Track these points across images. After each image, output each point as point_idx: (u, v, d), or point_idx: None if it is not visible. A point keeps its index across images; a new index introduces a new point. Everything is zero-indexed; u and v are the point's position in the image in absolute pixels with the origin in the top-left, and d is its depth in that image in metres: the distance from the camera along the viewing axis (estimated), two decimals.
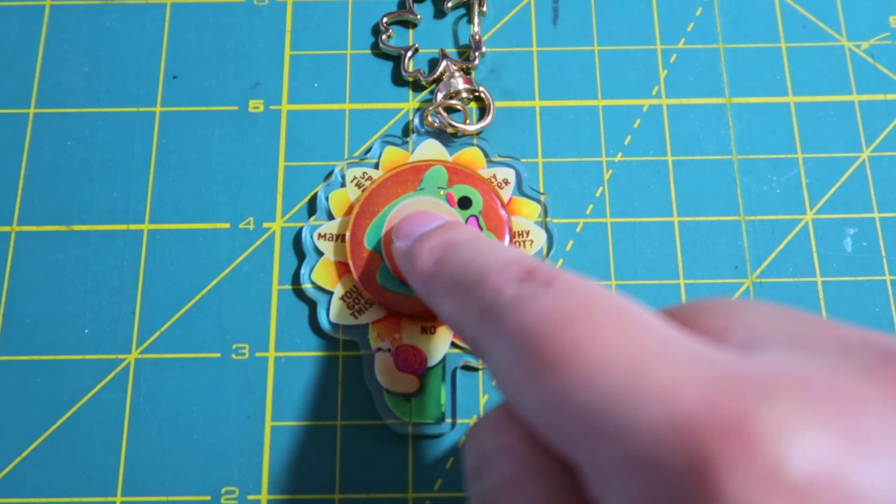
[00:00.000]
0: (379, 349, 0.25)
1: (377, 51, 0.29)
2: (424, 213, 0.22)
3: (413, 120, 0.28)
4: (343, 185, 0.27)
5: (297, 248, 0.27)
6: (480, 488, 0.16)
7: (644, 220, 0.27)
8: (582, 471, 0.14)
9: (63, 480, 0.24)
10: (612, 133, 0.28)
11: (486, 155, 0.27)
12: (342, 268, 0.26)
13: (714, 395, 0.12)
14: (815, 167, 0.28)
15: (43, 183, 0.28)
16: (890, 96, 0.28)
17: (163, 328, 0.26)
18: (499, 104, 0.28)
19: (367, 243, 0.26)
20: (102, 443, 0.25)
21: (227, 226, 0.27)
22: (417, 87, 0.29)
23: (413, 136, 0.28)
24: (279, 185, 0.28)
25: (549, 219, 0.27)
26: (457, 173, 0.26)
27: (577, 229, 0.27)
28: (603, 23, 0.30)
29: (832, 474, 0.11)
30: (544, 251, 0.26)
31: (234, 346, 0.26)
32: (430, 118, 0.28)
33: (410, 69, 0.29)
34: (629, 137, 0.28)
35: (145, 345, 0.26)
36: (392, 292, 0.25)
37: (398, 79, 0.29)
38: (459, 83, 0.28)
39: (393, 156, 0.27)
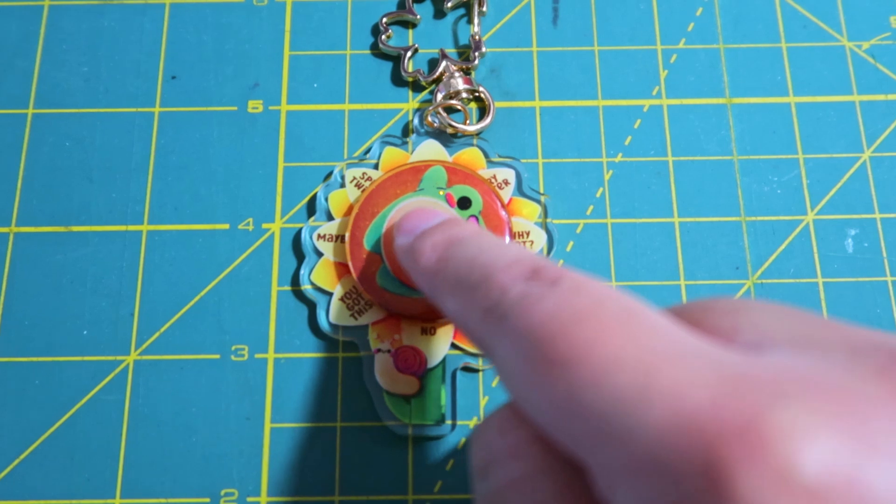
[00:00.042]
0: (379, 350, 0.25)
1: (377, 51, 0.29)
2: (426, 210, 0.22)
3: (413, 120, 0.28)
4: (342, 185, 0.27)
5: (297, 248, 0.27)
6: (487, 489, 0.16)
7: (644, 220, 0.27)
8: (590, 471, 0.14)
9: (62, 482, 0.24)
10: (613, 133, 0.28)
11: (486, 155, 0.27)
12: (342, 269, 0.26)
13: (724, 396, 0.12)
14: (816, 168, 0.28)
15: (41, 184, 0.28)
16: (891, 96, 0.28)
17: (162, 329, 0.26)
18: (499, 104, 0.28)
19: (367, 244, 0.26)
20: (101, 444, 0.25)
21: (227, 226, 0.27)
22: (417, 87, 0.29)
23: (413, 137, 0.28)
24: (278, 186, 0.27)
25: (549, 219, 0.27)
26: (456, 173, 0.26)
27: (578, 230, 0.27)
28: (603, 23, 0.30)
29: (846, 476, 0.11)
30: (544, 252, 0.26)
31: (233, 348, 0.26)
32: (429, 118, 0.28)
33: (410, 69, 0.29)
34: (629, 138, 0.28)
35: (144, 346, 0.26)
36: (392, 293, 0.25)
37: (398, 79, 0.29)
38: (459, 83, 0.28)
39: (393, 156, 0.27)
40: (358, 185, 0.27)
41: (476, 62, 0.29)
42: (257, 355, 0.26)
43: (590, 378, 0.13)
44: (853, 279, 0.26)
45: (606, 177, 0.27)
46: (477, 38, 0.29)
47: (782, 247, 0.27)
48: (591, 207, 0.27)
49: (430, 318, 0.25)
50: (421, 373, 0.25)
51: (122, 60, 0.29)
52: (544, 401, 0.14)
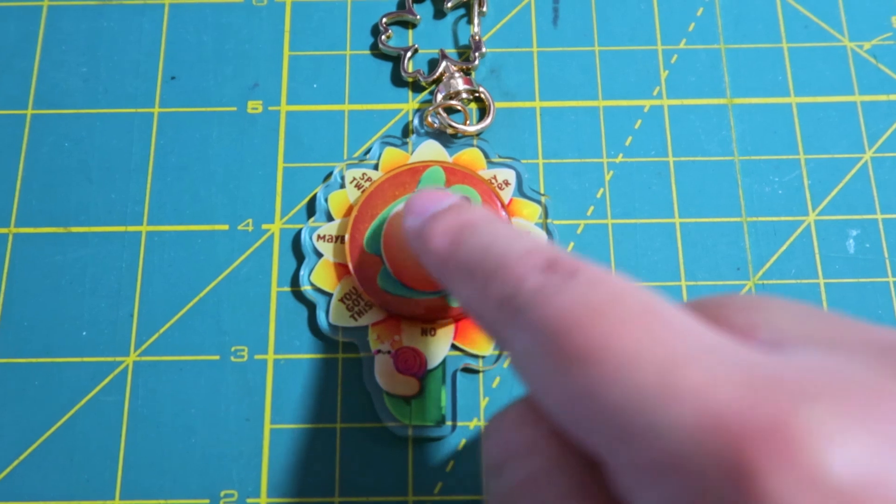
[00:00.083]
0: (379, 351, 0.25)
1: (376, 51, 0.29)
2: (436, 191, 0.21)
3: (413, 121, 0.28)
4: (342, 186, 0.27)
5: (297, 249, 0.27)
6: (501, 486, 0.15)
7: (645, 221, 0.27)
8: (609, 468, 0.13)
9: (61, 483, 0.24)
10: (613, 134, 0.28)
11: (486, 156, 0.27)
12: (342, 269, 0.26)
13: (750, 396, 0.12)
14: (818, 168, 0.27)
15: (40, 184, 0.27)
16: (892, 97, 0.28)
17: (161, 330, 0.26)
18: (499, 105, 0.28)
19: (367, 246, 0.25)
20: (101, 445, 0.25)
21: (226, 227, 0.27)
22: (417, 87, 0.29)
23: (413, 137, 0.28)
24: (278, 187, 0.27)
25: (549, 220, 0.27)
26: (455, 173, 0.26)
27: (578, 231, 0.27)
28: (603, 23, 0.29)
29: (876, 478, 0.11)
30: None
31: (232, 349, 0.26)
32: (429, 119, 0.28)
33: (410, 70, 0.29)
34: (630, 138, 0.28)
35: (144, 347, 0.26)
36: (393, 295, 0.25)
37: (398, 79, 0.29)
38: (459, 84, 0.28)
39: (393, 157, 0.27)
40: (358, 186, 0.27)
41: (476, 62, 0.29)
42: (257, 356, 0.25)
43: (609, 374, 0.13)
44: (855, 280, 0.26)
45: (607, 177, 0.27)
46: (477, 38, 0.29)
47: (783, 247, 0.27)
48: (592, 208, 0.27)
49: (430, 319, 0.25)
50: (421, 374, 0.25)
51: (121, 61, 0.29)
52: (562, 396, 0.14)
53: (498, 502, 0.16)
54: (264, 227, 0.27)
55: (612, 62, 0.29)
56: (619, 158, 0.28)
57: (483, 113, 0.28)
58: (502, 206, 0.26)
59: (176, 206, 0.27)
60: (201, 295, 0.26)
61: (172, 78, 0.29)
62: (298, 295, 0.26)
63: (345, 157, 0.28)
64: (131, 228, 0.27)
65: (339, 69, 0.29)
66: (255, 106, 0.28)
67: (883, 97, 0.28)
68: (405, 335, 0.25)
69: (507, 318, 0.15)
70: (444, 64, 0.28)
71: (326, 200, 0.27)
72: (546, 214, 0.27)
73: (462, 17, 0.30)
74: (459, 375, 0.25)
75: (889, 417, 0.11)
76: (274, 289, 0.26)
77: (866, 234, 0.27)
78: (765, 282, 0.26)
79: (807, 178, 0.27)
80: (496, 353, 0.25)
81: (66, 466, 0.24)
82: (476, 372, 0.25)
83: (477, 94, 0.28)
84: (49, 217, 0.27)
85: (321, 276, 0.26)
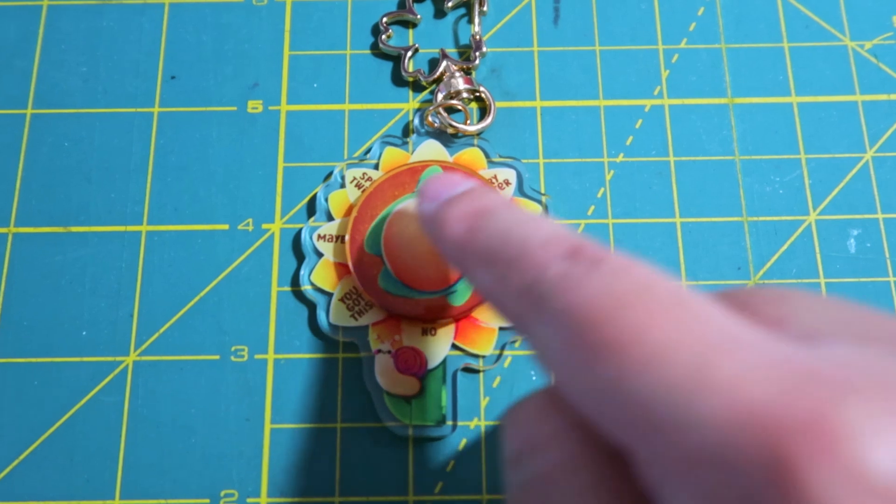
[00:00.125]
0: (379, 351, 0.25)
1: (377, 51, 0.29)
2: (451, 176, 0.21)
3: (413, 120, 0.28)
4: (343, 185, 0.27)
5: (297, 249, 0.27)
6: (522, 477, 0.15)
7: (646, 220, 0.27)
8: (636, 461, 0.13)
9: (61, 483, 0.24)
10: (614, 133, 0.28)
11: (486, 155, 0.27)
12: (342, 269, 0.26)
13: (789, 390, 0.11)
14: (819, 168, 0.27)
15: (40, 184, 0.27)
16: (893, 96, 0.28)
17: (161, 330, 0.26)
18: (499, 104, 0.28)
19: (367, 245, 0.25)
20: (100, 445, 0.25)
21: (226, 227, 0.27)
22: (417, 87, 0.29)
23: (413, 137, 0.28)
24: (278, 186, 0.27)
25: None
26: (454, 173, 0.26)
27: (579, 230, 0.27)
28: (604, 22, 0.29)
29: None
30: None
31: (233, 348, 0.26)
32: (430, 118, 0.27)
33: (410, 69, 0.29)
34: (631, 138, 0.28)
35: (144, 347, 0.26)
36: (394, 295, 0.25)
37: (398, 79, 0.29)
38: (460, 83, 0.28)
39: (393, 156, 0.27)
40: (358, 186, 0.27)
41: (477, 62, 0.28)
42: (257, 356, 0.25)
43: (640, 366, 0.13)
44: (855, 279, 0.26)
45: (608, 177, 0.27)
46: (477, 37, 0.29)
47: (784, 247, 0.27)
48: (593, 208, 0.27)
49: (430, 319, 0.25)
50: (421, 373, 0.25)
51: (121, 60, 0.29)
52: (589, 387, 0.13)
53: (518, 494, 0.15)
54: (264, 226, 0.27)
55: (613, 62, 0.29)
56: (620, 158, 0.28)
57: (484, 112, 0.28)
58: None
59: (176, 206, 0.27)
60: (201, 295, 0.26)
61: (172, 77, 0.29)
62: (299, 295, 0.26)
63: (345, 156, 0.28)
64: (131, 228, 0.27)
65: (340, 69, 0.29)
66: (255, 105, 0.28)
67: (884, 97, 0.28)
68: (405, 335, 0.25)
69: (530, 306, 0.15)
70: (444, 63, 0.28)
71: (327, 200, 0.27)
72: (547, 214, 0.26)
73: (463, 16, 0.30)
74: (460, 375, 0.25)
75: None
76: (274, 288, 0.26)
77: (867, 233, 0.27)
78: (766, 281, 0.26)
79: (808, 177, 0.27)
80: (497, 352, 0.25)
81: (65, 466, 0.24)
82: (476, 372, 0.25)
83: (477, 94, 0.28)
84: (49, 217, 0.27)
85: (321, 275, 0.26)
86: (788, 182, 0.27)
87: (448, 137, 0.27)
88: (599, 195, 0.27)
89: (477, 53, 0.28)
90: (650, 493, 0.13)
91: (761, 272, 0.26)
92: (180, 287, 0.26)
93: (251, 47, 0.29)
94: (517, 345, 0.25)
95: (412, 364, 0.25)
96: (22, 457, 0.24)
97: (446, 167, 0.26)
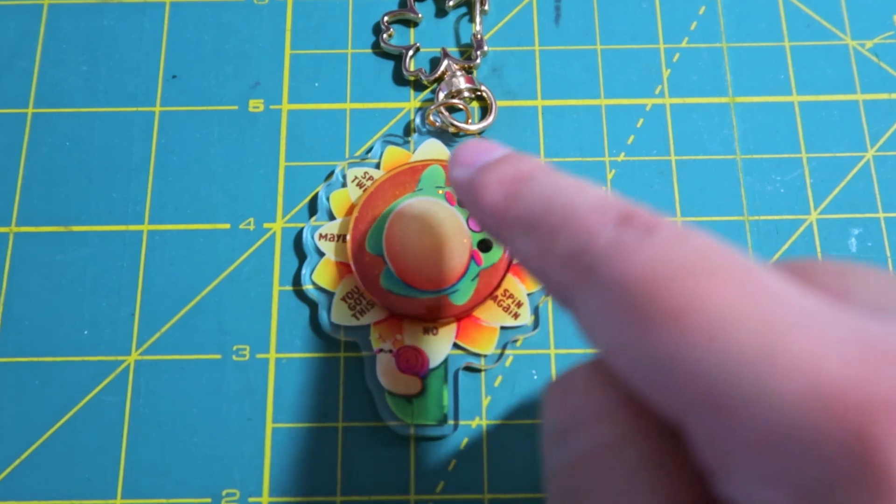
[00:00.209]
0: (381, 350, 0.25)
1: (378, 50, 0.29)
2: (484, 142, 0.19)
3: (414, 119, 0.28)
4: (344, 185, 0.27)
5: (298, 248, 0.27)
6: (565, 456, 0.14)
7: None
8: (693, 440, 0.13)
9: (62, 483, 0.24)
10: (615, 133, 0.28)
11: None
12: (343, 268, 0.26)
13: (870, 366, 0.11)
14: (820, 167, 0.27)
15: (41, 183, 0.27)
16: (894, 95, 0.28)
17: (163, 329, 0.26)
18: (501, 103, 0.28)
19: (368, 246, 0.25)
20: (102, 445, 0.25)
21: (228, 226, 0.27)
22: (419, 86, 0.29)
23: (414, 136, 0.28)
24: (280, 186, 0.27)
25: None
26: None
27: None
28: (605, 22, 0.29)
29: None
30: None
31: (234, 348, 0.26)
32: (431, 118, 0.27)
33: (412, 68, 0.29)
34: (632, 137, 0.28)
35: (145, 346, 0.26)
36: (396, 295, 0.25)
37: (399, 78, 0.29)
38: (461, 82, 0.28)
39: (394, 156, 0.27)
40: (359, 185, 0.27)
41: (478, 61, 0.28)
42: (258, 355, 0.25)
43: (702, 338, 0.12)
44: None
45: (609, 176, 0.27)
46: (479, 36, 0.29)
47: (785, 246, 0.27)
48: None
49: (432, 318, 0.25)
50: (423, 373, 0.25)
51: (121, 60, 0.29)
52: (643, 360, 0.13)
53: (560, 475, 0.14)
54: (266, 225, 0.27)
55: (614, 61, 0.29)
56: (621, 157, 0.28)
57: (485, 112, 0.28)
58: None
59: (177, 205, 0.27)
60: (203, 294, 0.26)
61: (173, 77, 0.29)
62: (300, 294, 0.26)
63: (346, 155, 0.28)
64: (132, 227, 0.27)
65: (341, 68, 0.29)
66: (256, 105, 0.28)
67: (885, 96, 0.28)
68: (407, 334, 0.25)
69: (577, 276, 0.14)
70: (445, 62, 0.28)
71: (328, 199, 0.27)
72: None
73: (464, 15, 0.30)
74: (461, 374, 0.25)
75: None
76: (275, 288, 0.26)
77: (868, 232, 0.27)
78: None
79: (809, 176, 0.27)
80: (498, 352, 0.25)
81: (67, 466, 0.24)
82: (478, 371, 0.25)
83: (479, 93, 0.28)
84: (50, 216, 0.27)
85: (323, 275, 0.26)
86: (789, 181, 0.27)
87: (449, 136, 0.27)
88: None
89: (478, 52, 0.28)
90: (707, 473, 0.13)
91: None
92: (182, 286, 0.26)
93: (252, 46, 0.29)
94: (518, 344, 0.25)
95: (414, 363, 0.25)
96: (23, 456, 0.24)
97: (445, 165, 0.26)
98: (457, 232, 0.25)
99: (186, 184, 0.27)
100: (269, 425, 0.25)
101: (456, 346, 0.25)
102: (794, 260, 0.15)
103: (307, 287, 0.26)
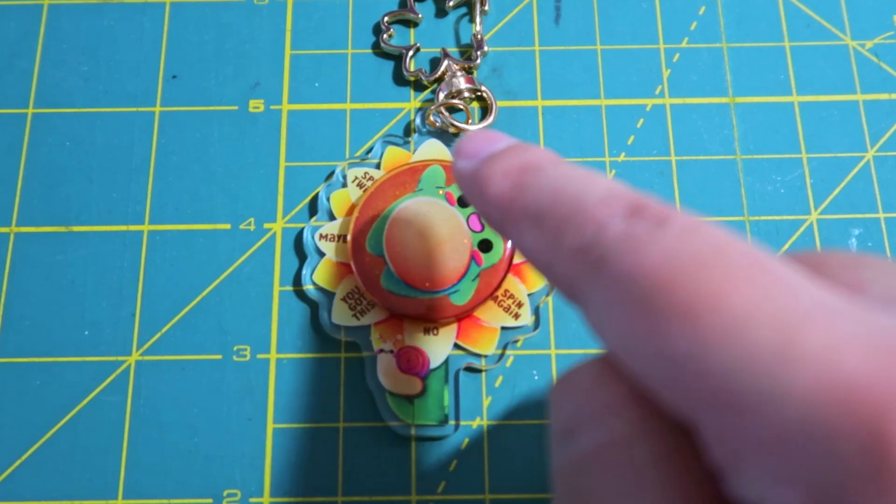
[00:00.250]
0: (381, 350, 0.25)
1: (378, 50, 0.29)
2: (489, 132, 0.19)
3: (415, 120, 0.28)
4: (344, 185, 0.27)
5: (299, 248, 0.27)
6: (573, 453, 0.14)
7: None
8: (705, 435, 0.12)
9: (63, 483, 0.24)
10: (615, 133, 0.28)
11: None
12: (344, 269, 0.26)
13: (885, 361, 0.11)
14: (820, 167, 0.27)
15: (42, 184, 0.27)
16: (894, 95, 0.28)
17: (163, 330, 0.26)
18: (501, 104, 0.28)
19: (369, 246, 0.25)
20: (103, 445, 0.25)
21: (228, 226, 0.27)
22: (419, 86, 0.29)
23: (415, 136, 0.28)
24: (280, 186, 0.27)
25: None
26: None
27: None
28: (605, 22, 0.29)
29: None
30: None
31: (235, 348, 0.26)
32: (431, 118, 0.27)
33: (412, 68, 0.29)
34: (632, 137, 0.28)
35: (146, 347, 0.26)
36: (397, 295, 0.25)
37: (399, 78, 0.29)
38: (461, 83, 0.28)
39: (395, 156, 0.27)
40: (360, 185, 0.27)
41: (478, 61, 0.28)
42: (259, 356, 0.25)
43: (716, 333, 0.12)
44: None
45: (609, 176, 0.27)
46: (479, 37, 0.29)
47: (786, 246, 0.27)
48: None
49: (432, 319, 0.25)
50: (423, 373, 0.25)
51: (122, 60, 0.29)
52: (654, 357, 0.12)
53: (568, 472, 0.14)
54: (266, 226, 0.27)
55: (615, 61, 0.29)
56: (622, 157, 0.28)
57: (485, 112, 0.28)
58: None
59: (177, 206, 0.27)
60: (203, 294, 0.26)
61: (173, 77, 0.29)
62: (301, 294, 0.26)
63: (346, 156, 0.28)
64: (133, 228, 0.27)
65: (341, 68, 0.29)
66: (256, 105, 0.28)
67: (885, 96, 0.28)
68: (407, 334, 0.25)
69: (585, 269, 0.14)
70: (445, 63, 0.28)
71: (328, 199, 0.27)
72: None
73: (464, 15, 0.30)
74: (462, 375, 0.25)
75: None
76: (276, 288, 0.26)
77: (868, 232, 0.27)
78: None
79: (809, 176, 0.27)
80: (499, 352, 0.25)
81: (68, 466, 0.24)
82: (479, 371, 0.25)
83: (479, 93, 0.28)
84: (50, 216, 0.27)
85: (323, 275, 0.26)
86: (790, 181, 0.27)
87: (450, 137, 0.27)
88: None
89: (478, 53, 0.28)
90: (719, 470, 0.12)
91: None
92: (182, 287, 0.26)
93: (252, 47, 0.29)
94: (519, 344, 0.25)
95: (414, 364, 0.25)
96: (24, 457, 0.24)
97: (448, 167, 0.26)
98: (457, 232, 0.25)
99: (187, 184, 0.27)
100: (270, 425, 0.25)
101: (456, 346, 0.25)
102: (805, 252, 0.15)
103: (308, 287, 0.26)
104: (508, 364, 0.25)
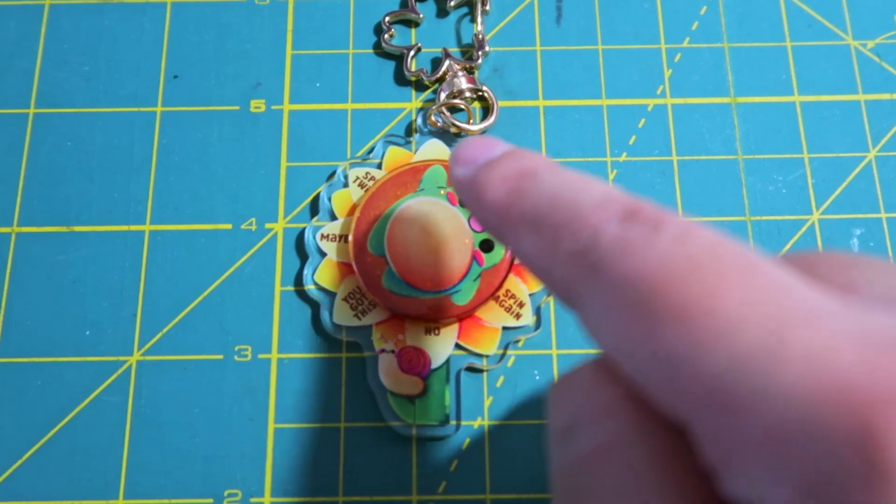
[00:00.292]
0: (383, 350, 0.25)
1: (379, 50, 0.29)
2: (485, 138, 0.19)
3: (416, 120, 0.28)
4: (346, 185, 0.27)
5: (300, 248, 0.27)
6: (571, 454, 0.14)
7: None
8: (699, 436, 0.13)
9: (64, 484, 0.24)
10: (617, 133, 0.28)
11: None
12: (345, 269, 0.26)
13: (876, 361, 0.11)
14: (821, 167, 0.27)
15: (43, 184, 0.27)
16: None
17: (164, 330, 0.26)
18: (502, 104, 0.28)
19: (370, 246, 0.25)
20: (104, 445, 0.25)
21: (229, 226, 0.27)
22: (420, 86, 0.29)
23: (416, 136, 0.28)
24: (281, 186, 0.27)
25: None
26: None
27: None
28: (607, 22, 0.29)
29: None
30: None
31: (236, 348, 0.26)
32: (433, 118, 0.27)
33: (413, 69, 0.29)
34: (634, 137, 0.28)
35: (147, 347, 0.26)
36: (399, 295, 0.25)
37: (401, 78, 0.29)
38: (462, 83, 0.28)
39: (396, 156, 0.27)
40: (361, 185, 0.27)
41: (479, 61, 0.28)
42: (260, 356, 0.25)
43: (710, 335, 0.12)
44: None
45: (611, 176, 0.27)
46: (480, 37, 0.29)
47: (787, 246, 0.27)
48: None
49: (434, 319, 0.25)
50: (425, 373, 0.25)
51: (122, 60, 0.29)
52: (649, 358, 0.13)
53: (566, 472, 0.14)
54: (267, 226, 0.27)
55: (616, 61, 0.29)
56: (623, 157, 0.28)
57: (486, 112, 0.28)
58: None
59: (178, 206, 0.27)
60: (204, 294, 0.26)
61: (175, 77, 0.29)
62: (302, 294, 0.26)
63: (348, 156, 0.28)
64: (134, 228, 0.27)
65: (342, 68, 0.29)
66: (257, 105, 0.28)
67: (886, 96, 0.28)
68: (409, 334, 0.25)
69: (582, 273, 0.14)
70: (447, 63, 0.28)
71: (330, 199, 0.27)
72: None
73: (465, 15, 0.30)
74: (463, 375, 0.25)
75: None
76: (277, 288, 0.26)
77: (870, 232, 0.27)
78: None
79: (810, 176, 0.27)
80: (500, 352, 0.25)
81: (68, 466, 0.24)
82: (480, 371, 0.25)
83: (480, 93, 0.28)
84: (51, 216, 0.27)
85: (324, 275, 0.26)
86: (791, 181, 0.27)
87: (451, 137, 0.27)
88: None
89: (479, 53, 0.28)
90: (713, 470, 0.13)
91: None
92: (183, 287, 0.26)
93: (253, 47, 0.29)
94: (520, 344, 0.25)
95: (416, 364, 0.25)
96: (25, 457, 0.24)
97: (447, 166, 0.26)
98: (458, 232, 0.25)
99: (188, 184, 0.27)
100: (271, 425, 0.25)
101: (458, 346, 0.25)
102: (800, 253, 0.15)
103: (309, 287, 0.26)
104: (510, 364, 0.25)
